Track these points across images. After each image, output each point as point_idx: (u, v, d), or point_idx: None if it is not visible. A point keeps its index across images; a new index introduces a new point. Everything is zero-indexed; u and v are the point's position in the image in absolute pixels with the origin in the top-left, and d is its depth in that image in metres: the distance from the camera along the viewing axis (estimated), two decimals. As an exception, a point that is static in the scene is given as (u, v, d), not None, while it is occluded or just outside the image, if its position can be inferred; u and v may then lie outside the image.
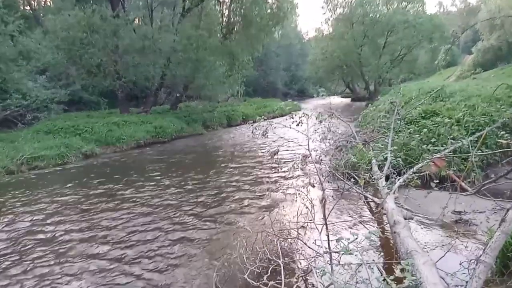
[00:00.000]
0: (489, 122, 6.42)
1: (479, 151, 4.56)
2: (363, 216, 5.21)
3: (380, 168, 5.91)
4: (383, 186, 4.99)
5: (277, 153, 9.54)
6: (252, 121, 5.10)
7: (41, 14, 24.14)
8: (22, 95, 14.68)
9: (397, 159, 5.65)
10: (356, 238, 2.95)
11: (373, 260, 3.76)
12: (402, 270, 2.73)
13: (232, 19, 21.76)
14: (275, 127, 4.88)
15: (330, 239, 3.24)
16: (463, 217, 4.73)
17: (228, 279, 3.53)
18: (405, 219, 3.85)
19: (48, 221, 5.56)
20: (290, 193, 6.47)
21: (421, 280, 2.51)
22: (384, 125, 7.68)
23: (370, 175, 5.70)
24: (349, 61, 33.68)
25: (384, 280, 2.61)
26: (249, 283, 3.19)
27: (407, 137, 6.41)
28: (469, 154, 4.49)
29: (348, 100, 41.07)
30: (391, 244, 4.06)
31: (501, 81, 8.10)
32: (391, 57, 33.12)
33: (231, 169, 8.78)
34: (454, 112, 7.14)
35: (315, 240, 4.01)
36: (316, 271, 3.22)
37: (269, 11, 20.79)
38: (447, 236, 4.25)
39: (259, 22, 20.12)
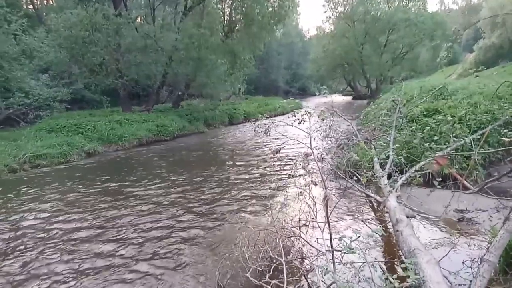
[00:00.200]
0: (491, 120, 6.40)
1: (482, 149, 4.54)
2: (365, 214, 5.21)
3: (382, 166, 5.90)
4: (385, 185, 4.98)
5: (279, 151, 9.53)
6: (254, 119, 5.10)
7: (44, 13, 24.16)
8: (25, 93, 14.74)
9: (399, 157, 5.63)
10: (359, 237, 2.96)
11: (375, 258, 3.76)
12: (405, 269, 2.74)
13: (233, 18, 21.74)
14: (277, 125, 4.87)
15: (332, 237, 3.24)
16: (466, 216, 4.72)
17: (230, 278, 3.54)
18: (407, 217, 3.85)
19: (57, 218, 5.63)
20: (292, 191, 6.47)
21: (424, 279, 2.51)
22: (386, 123, 7.66)
23: (372, 174, 5.70)
24: (350, 59, 33.65)
25: (386, 278, 2.62)
26: (251, 282, 3.19)
27: (409, 135, 6.39)
28: (471, 152, 4.48)
29: (349, 98, 41.02)
30: (393, 243, 4.06)
31: (503, 79, 8.05)
32: (392, 55, 33.06)
33: (233, 167, 8.79)
34: (456, 110, 7.11)
35: (317, 238, 4.01)
36: (318, 270, 3.23)
37: (270, 9, 20.75)
38: (450, 235, 4.25)
39: (260, 21, 20.09)
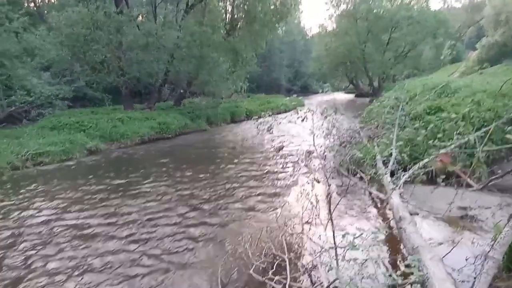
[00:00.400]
0: (495, 117, 6.37)
1: (486, 146, 4.52)
2: (368, 211, 5.20)
3: (385, 164, 5.88)
4: (388, 182, 4.98)
5: (282, 148, 9.53)
6: (257, 117, 5.10)
7: (45, 11, 24.15)
8: (27, 91, 14.73)
9: (402, 154, 5.62)
10: (362, 234, 2.95)
11: (379, 255, 3.76)
12: (408, 266, 2.74)
13: (235, 15, 21.66)
14: (280, 123, 4.88)
15: (335, 234, 3.24)
16: (469, 213, 4.71)
17: (234, 274, 3.54)
18: (410, 214, 3.84)
19: (65, 214, 5.73)
20: (295, 189, 6.48)
21: (428, 275, 2.51)
22: (389, 121, 7.64)
23: (375, 171, 5.69)
24: (352, 57, 33.52)
25: (390, 275, 2.61)
26: (254, 278, 3.20)
27: (412, 132, 6.36)
28: (475, 150, 4.45)
29: (351, 96, 40.93)
30: (396, 240, 4.05)
31: (507, 76, 8.02)
32: (395, 53, 32.91)
33: (236, 165, 8.78)
34: (460, 108, 7.08)
35: (319, 235, 4.01)
36: (321, 267, 3.23)
37: (272, 7, 20.66)
38: (453, 232, 4.24)
39: (262, 18, 20.01)
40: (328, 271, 3.03)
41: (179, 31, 16.51)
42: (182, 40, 16.30)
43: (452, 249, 3.33)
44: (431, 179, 5.15)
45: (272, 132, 5.02)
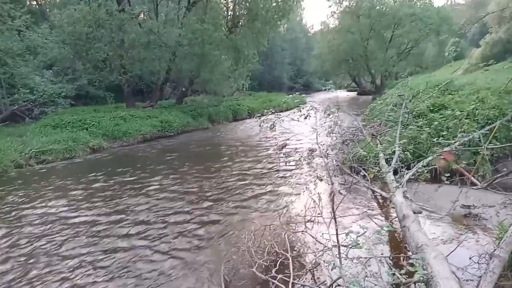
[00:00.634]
0: (499, 115, 6.32)
1: (491, 144, 4.49)
2: (371, 210, 5.18)
3: (388, 162, 5.86)
4: (392, 180, 4.95)
5: (285, 146, 9.52)
6: (259, 114, 5.07)
7: (47, 9, 24.21)
8: (30, 89, 14.78)
9: (405, 152, 5.59)
10: (365, 232, 2.94)
11: (382, 254, 3.75)
12: (411, 264, 2.72)
13: (237, 13, 21.58)
14: (283, 121, 4.86)
15: (338, 232, 3.23)
16: (472, 211, 4.68)
17: (237, 272, 3.54)
18: (414, 213, 3.82)
19: (77, 208, 5.85)
20: (297, 187, 6.47)
21: (432, 274, 2.49)
22: (392, 119, 7.61)
23: (378, 169, 5.66)
24: (355, 54, 33.34)
25: (393, 274, 2.60)
26: (257, 276, 3.19)
27: (416, 130, 6.33)
28: (480, 148, 4.42)
29: (354, 93, 40.84)
30: (400, 238, 4.03)
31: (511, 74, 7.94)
32: (397, 51, 32.71)
33: (238, 163, 8.78)
34: (464, 106, 7.04)
35: (322, 233, 4.00)
36: (324, 265, 3.22)
37: (274, 4, 20.56)
38: (457, 231, 4.22)
39: (264, 15, 19.93)
40: (331, 269, 3.02)
41: (180, 28, 16.48)
42: (184, 38, 16.27)
43: (456, 248, 3.31)
44: (434, 177, 5.13)
45: (275, 130, 4.99)
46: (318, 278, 3.39)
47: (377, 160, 6.10)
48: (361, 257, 3.28)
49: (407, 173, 4.99)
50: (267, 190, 6.42)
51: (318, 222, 4.36)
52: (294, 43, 50.93)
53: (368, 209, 5.17)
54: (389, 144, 6.33)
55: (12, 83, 14.69)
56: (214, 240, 4.42)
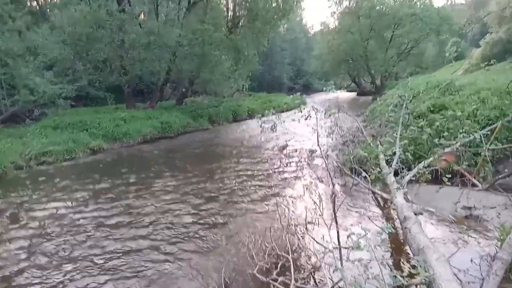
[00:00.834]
0: (500, 116, 6.31)
1: (492, 144, 4.48)
2: (372, 211, 5.17)
3: (388, 163, 5.84)
4: (392, 181, 4.94)
5: (286, 147, 9.51)
6: (260, 115, 5.06)
7: (48, 10, 24.20)
8: (30, 90, 14.74)
9: (406, 153, 5.57)
10: (366, 234, 2.92)
11: (383, 256, 3.73)
12: (413, 266, 2.71)
13: (237, 13, 21.58)
14: (283, 121, 4.85)
15: (339, 234, 3.21)
16: (474, 213, 4.67)
17: (237, 275, 3.53)
18: (415, 214, 3.81)
19: (79, 210, 5.84)
20: (298, 188, 6.46)
21: (434, 276, 2.48)
22: (392, 119, 7.59)
23: (379, 170, 5.65)
24: (355, 55, 33.32)
25: (395, 276, 2.59)
26: (258, 278, 3.18)
27: (417, 131, 6.31)
28: (481, 148, 4.41)
29: (354, 94, 40.78)
30: (401, 240, 4.02)
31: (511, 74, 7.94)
32: (397, 51, 32.68)
33: (238, 164, 8.77)
34: (464, 106, 7.02)
35: (323, 235, 3.99)
36: (325, 267, 3.21)
37: (274, 4, 20.55)
38: (458, 232, 4.20)
39: (264, 16, 19.92)
40: (333, 271, 3.01)
41: (181, 29, 16.47)
42: (184, 38, 16.26)
43: (457, 250, 3.30)
44: (435, 179, 5.11)
45: (275, 130, 4.98)
46: (319, 280, 3.38)
47: (378, 161, 6.08)
48: (362, 259, 3.27)
49: (408, 174, 4.98)
50: (268, 192, 6.40)
51: (319, 224, 4.36)
52: (294, 43, 50.89)
53: (369, 211, 5.16)
54: (389, 145, 6.32)
55: (12, 84, 14.66)
56: (215, 242, 4.40)
